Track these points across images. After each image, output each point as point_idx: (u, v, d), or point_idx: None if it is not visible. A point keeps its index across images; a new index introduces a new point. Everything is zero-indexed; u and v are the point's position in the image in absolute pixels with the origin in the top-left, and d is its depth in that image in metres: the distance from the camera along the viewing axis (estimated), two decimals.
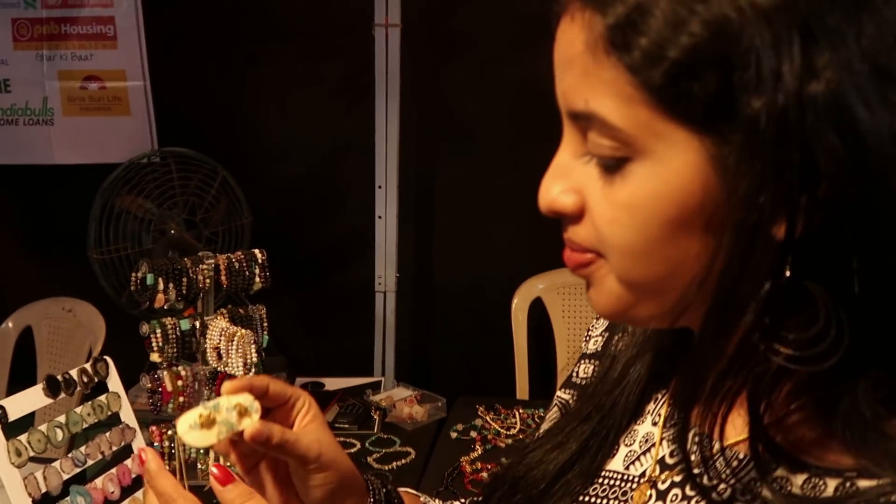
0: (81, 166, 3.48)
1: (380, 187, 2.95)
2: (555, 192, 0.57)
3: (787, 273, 0.49)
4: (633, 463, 0.68)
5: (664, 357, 0.69)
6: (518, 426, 2.15)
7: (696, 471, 0.58)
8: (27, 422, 1.61)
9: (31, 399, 1.58)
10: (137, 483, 1.72)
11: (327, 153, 3.36)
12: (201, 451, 1.89)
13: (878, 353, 0.51)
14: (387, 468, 1.96)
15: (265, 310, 2.07)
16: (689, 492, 0.61)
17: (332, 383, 2.44)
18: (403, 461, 2.00)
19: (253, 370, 1.88)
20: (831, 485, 0.53)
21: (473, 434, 2.13)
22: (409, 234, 3.08)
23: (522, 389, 2.69)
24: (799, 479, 0.55)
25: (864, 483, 0.52)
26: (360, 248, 3.04)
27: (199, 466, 1.90)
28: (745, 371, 0.53)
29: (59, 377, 1.63)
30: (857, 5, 0.47)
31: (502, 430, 2.13)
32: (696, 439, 0.58)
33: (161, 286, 1.87)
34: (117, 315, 2.68)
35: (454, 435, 2.13)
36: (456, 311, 3.27)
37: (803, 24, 0.46)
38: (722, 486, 0.58)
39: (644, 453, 0.68)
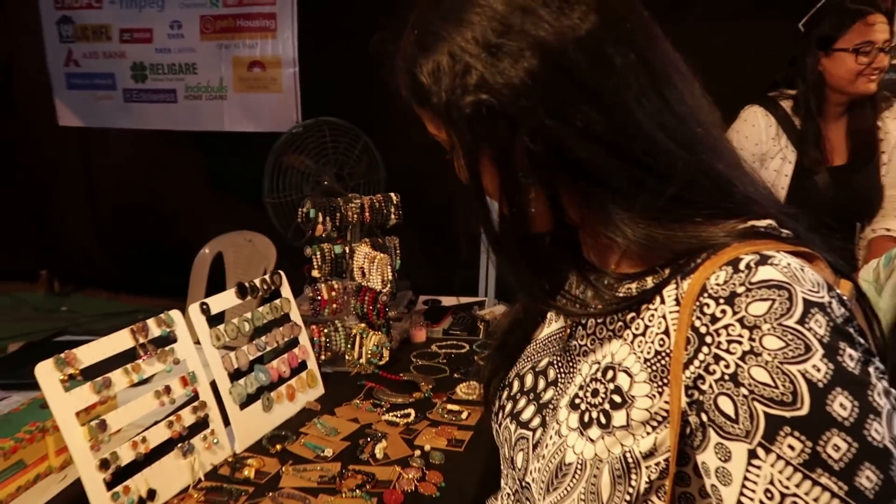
0: (252, 133, 3.61)
1: None
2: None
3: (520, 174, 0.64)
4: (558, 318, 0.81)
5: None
6: None
7: (563, 303, 0.72)
8: (219, 319, 1.71)
9: (226, 299, 1.69)
10: (302, 366, 1.82)
11: None
12: (347, 345, 1.97)
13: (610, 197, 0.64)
14: None
15: (398, 240, 2.12)
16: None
17: (448, 301, 2.48)
18: None
19: (388, 286, 1.93)
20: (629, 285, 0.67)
21: None
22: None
23: None
24: (616, 284, 0.68)
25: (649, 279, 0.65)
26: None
27: (346, 358, 1.98)
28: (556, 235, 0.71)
29: (247, 284, 1.73)
30: (456, 18, 0.64)
31: None
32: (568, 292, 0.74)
33: (320, 219, 1.95)
34: (284, 245, 2.79)
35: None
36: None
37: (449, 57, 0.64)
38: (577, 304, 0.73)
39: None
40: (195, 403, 1.51)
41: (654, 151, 0.61)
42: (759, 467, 0.53)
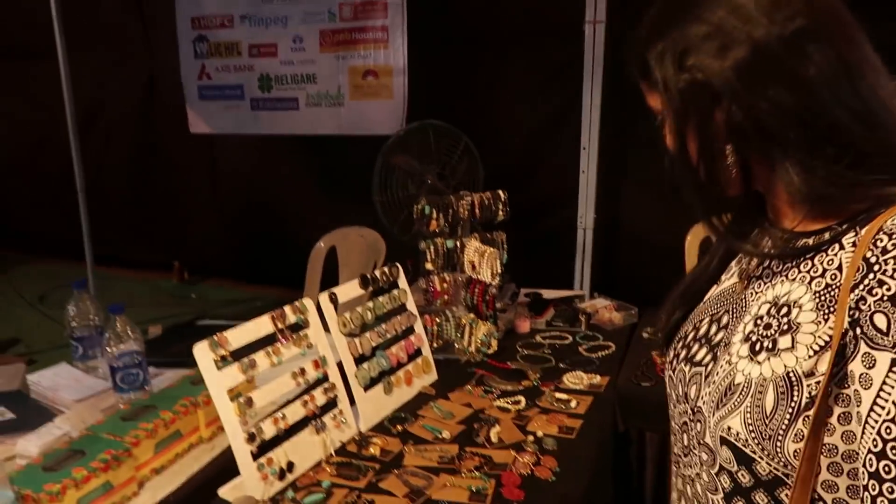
0: (359, 136, 3.67)
1: (584, 149, 2.90)
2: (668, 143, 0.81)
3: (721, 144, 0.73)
4: (733, 277, 0.86)
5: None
6: None
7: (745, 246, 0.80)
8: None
9: (350, 290, 1.72)
10: (417, 353, 1.83)
11: (543, 124, 3.34)
12: (458, 334, 1.98)
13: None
14: (594, 356, 1.95)
15: (504, 235, 2.11)
16: (765, 268, 0.79)
17: (547, 293, 2.45)
18: (606, 352, 1.98)
19: (497, 279, 1.92)
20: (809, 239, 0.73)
21: (660, 335, 2.06)
22: (605, 184, 3.01)
23: None
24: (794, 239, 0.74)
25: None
26: (567, 195, 3.01)
27: (456, 346, 1.98)
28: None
29: (368, 276, 1.75)
30: (685, 14, 0.74)
31: None
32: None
33: (434, 215, 1.96)
34: (390, 240, 2.83)
35: (645, 335, 2.08)
36: (639, 244, 3.17)
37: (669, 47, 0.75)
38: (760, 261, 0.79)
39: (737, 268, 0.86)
40: (325, 385, 1.55)
41: (837, 128, 0.68)
42: None
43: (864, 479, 0.61)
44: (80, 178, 4.07)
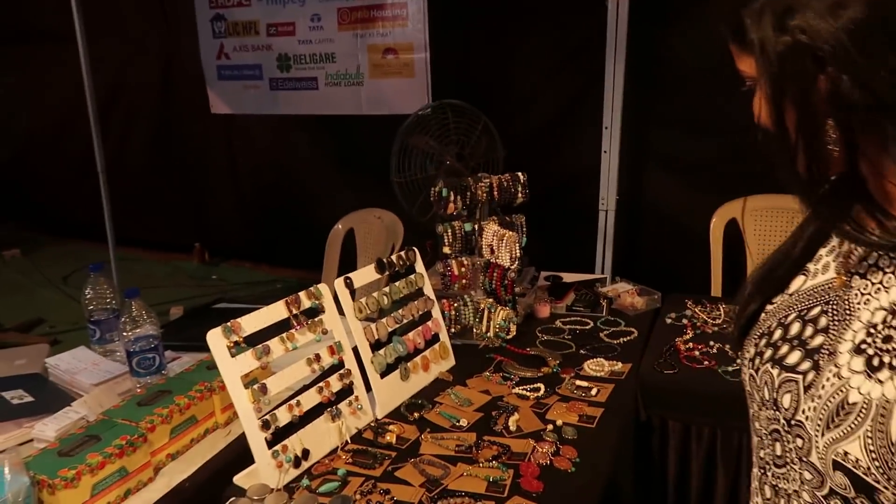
0: (379, 116, 3.63)
1: (606, 128, 2.82)
2: (755, 112, 0.73)
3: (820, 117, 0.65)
4: (825, 270, 0.77)
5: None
6: (722, 317, 2.00)
7: (850, 230, 0.68)
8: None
9: (366, 274, 1.68)
10: (435, 338, 1.80)
11: (565, 102, 3.26)
12: (476, 319, 1.94)
13: None
14: (615, 342, 1.90)
15: (524, 218, 2.06)
16: (871, 267, 0.70)
17: (568, 277, 2.39)
18: (628, 338, 1.92)
19: (516, 263, 1.88)
20: None
21: (684, 321, 2.00)
22: (627, 165, 2.93)
23: (716, 291, 2.52)
24: None
25: None
26: (588, 176, 2.94)
27: (475, 331, 1.94)
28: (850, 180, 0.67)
29: (385, 260, 1.72)
30: None
31: (709, 320, 1.99)
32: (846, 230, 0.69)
33: (452, 197, 1.91)
34: (407, 222, 2.78)
35: (668, 321, 2.01)
36: (662, 227, 3.10)
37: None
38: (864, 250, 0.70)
39: (833, 262, 0.77)
40: (341, 371, 1.52)
41: None
42: None
43: None
44: (100, 160, 4.08)
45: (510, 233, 1.86)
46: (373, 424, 1.53)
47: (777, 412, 0.73)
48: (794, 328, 0.75)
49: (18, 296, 4.75)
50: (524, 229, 2.03)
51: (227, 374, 1.31)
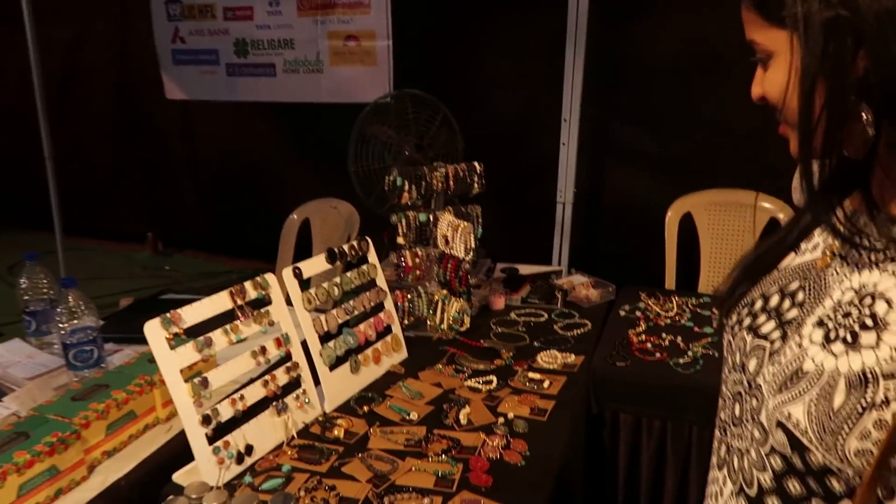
0: (340, 104, 3.56)
1: (565, 120, 2.80)
2: (753, 89, 0.73)
3: (852, 99, 0.63)
4: (814, 249, 0.79)
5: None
6: (675, 309, 2.00)
7: (841, 229, 0.69)
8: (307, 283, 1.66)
9: (316, 264, 1.64)
10: (387, 330, 1.76)
11: (524, 95, 3.24)
12: (429, 310, 1.90)
13: None
14: (569, 334, 1.89)
15: (480, 209, 2.03)
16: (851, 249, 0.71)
17: (524, 269, 2.38)
18: (581, 330, 1.91)
19: (471, 254, 1.85)
20: None
21: (638, 314, 2.00)
22: (586, 158, 2.93)
23: (670, 284, 2.54)
24: None
25: None
26: (547, 168, 2.93)
27: (428, 323, 1.91)
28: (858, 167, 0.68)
29: (336, 249, 1.67)
30: None
31: (662, 312, 1.99)
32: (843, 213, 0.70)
33: (406, 187, 1.87)
34: (365, 213, 2.73)
35: (622, 313, 2.01)
36: (619, 220, 3.11)
37: None
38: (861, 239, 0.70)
39: (822, 242, 0.78)
40: (288, 364, 1.47)
41: None
42: None
43: None
44: (47, 146, 3.92)
45: (465, 223, 1.83)
46: (320, 419, 1.49)
47: (743, 375, 0.76)
48: (774, 300, 0.78)
49: None
50: (480, 220, 2.00)
51: (165, 367, 1.25)
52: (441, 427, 1.44)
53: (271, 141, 4.29)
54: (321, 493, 1.24)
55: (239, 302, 1.40)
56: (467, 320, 1.89)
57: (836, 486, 0.66)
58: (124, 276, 4.61)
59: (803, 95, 0.65)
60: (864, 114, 0.63)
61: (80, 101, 4.94)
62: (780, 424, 0.68)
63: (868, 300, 0.66)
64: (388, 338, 1.75)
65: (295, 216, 2.97)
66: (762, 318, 0.77)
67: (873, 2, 0.60)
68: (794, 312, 0.74)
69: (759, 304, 0.79)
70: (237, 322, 1.39)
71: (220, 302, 1.37)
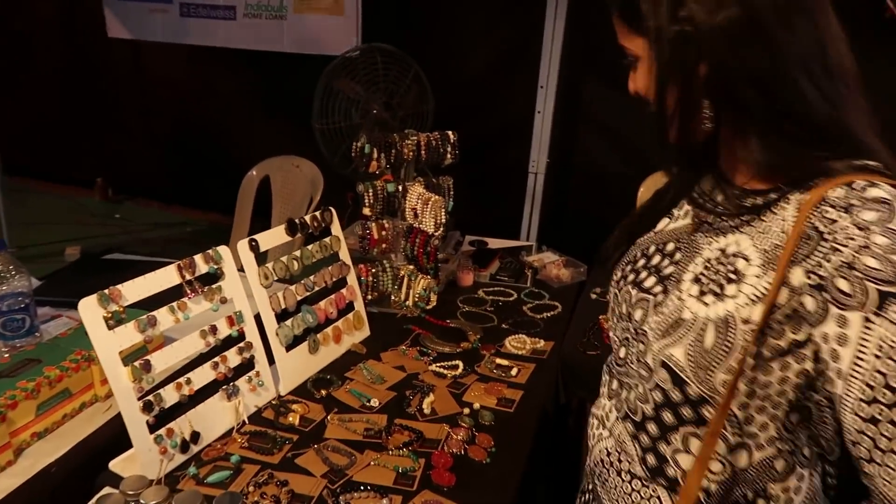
0: (305, 55, 3.36)
1: (541, 87, 2.69)
2: (629, 85, 0.85)
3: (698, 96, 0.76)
4: (685, 216, 0.90)
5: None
6: None
7: (698, 199, 0.85)
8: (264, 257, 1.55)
9: (275, 236, 1.51)
10: (349, 307, 1.66)
11: (500, 57, 3.10)
12: (395, 286, 1.81)
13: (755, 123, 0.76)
14: (538, 317, 1.81)
15: (452, 181, 1.92)
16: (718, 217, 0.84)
17: (493, 243, 2.29)
18: (552, 313, 1.84)
19: (441, 230, 1.75)
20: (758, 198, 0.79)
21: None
22: (560, 127, 2.82)
23: None
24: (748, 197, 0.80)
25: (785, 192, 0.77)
26: (519, 136, 2.82)
27: (393, 298, 1.82)
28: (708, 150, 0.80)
29: (297, 220, 1.55)
30: None
31: None
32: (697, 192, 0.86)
33: (375, 155, 1.74)
34: (329, 172, 2.59)
35: (593, 296, 1.94)
36: (590, 194, 3.03)
37: None
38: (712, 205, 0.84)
39: (692, 210, 0.89)
40: (241, 344, 1.36)
41: (801, 102, 0.73)
42: (871, 329, 0.67)
43: (856, 424, 0.69)
44: None
45: (436, 197, 1.72)
46: (274, 402, 1.39)
47: (629, 323, 0.87)
48: (655, 259, 0.89)
49: None
50: (451, 193, 1.90)
51: (101, 349, 1.13)
52: (403, 416, 1.36)
53: (231, 89, 4.06)
54: (272, 488, 1.15)
55: (188, 277, 1.28)
56: (434, 298, 1.80)
57: (707, 413, 0.79)
58: (72, 222, 4.37)
59: (658, 93, 0.78)
60: (704, 109, 0.76)
61: (21, 36, 4.59)
62: (663, 364, 0.80)
63: (732, 258, 0.78)
64: (350, 315, 1.65)
65: (254, 172, 2.81)
66: (643, 273, 0.88)
67: (710, 18, 0.72)
68: (671, 269, 0.85)
69: (641, 262, 0.90)
70: (185, 299, 1.27)
71: (165, 276, 1.25)
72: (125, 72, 4.42)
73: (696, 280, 0.80)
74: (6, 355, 1.40)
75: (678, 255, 0.85)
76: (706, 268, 0.80)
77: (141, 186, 4.79)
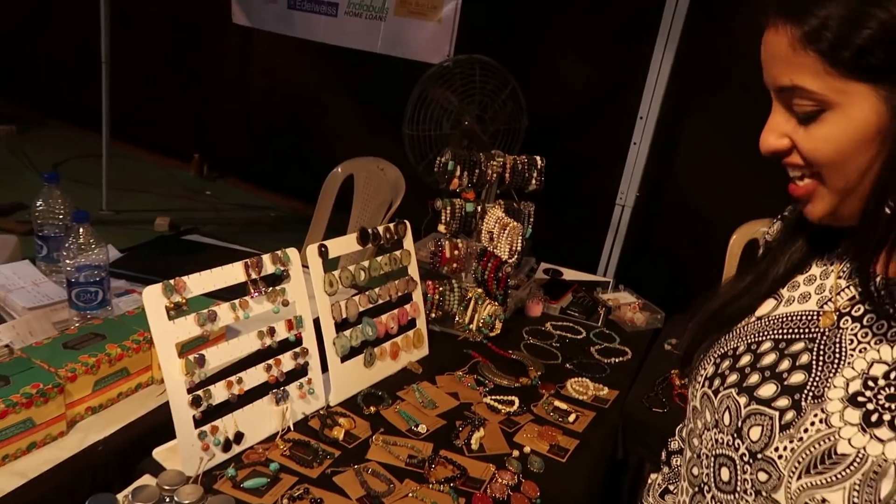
0: (397, 59, 3.36)
1: (641, 118, 2.57)
2: (771, 139, 0.68)
3: None
4: (803, 300, 0.74)
5: (818, 239, 0.75)
6: None
7: (876, 295, 0.65)
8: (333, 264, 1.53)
9: (346, 244, 1.49)
10: (411, 324, 1.62)
11: (601, 84, 3.00)
12: (460, 307, 1.76)
13: None
14: (606, 361, 1.71)
15: (533, 207, 1.85)
16: (868, 312, 0.67)
17: (569, 274, 2.19)
18: (621, 359, 1.73)
19: (516, 257, 1.68)
20: None
21: None
22: (655, 161, 2.70)
23: None
24: None
25: None
26: (610, 166, 2.71)
27: (457, 320, 1.77)
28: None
29: (370, 231, 1.52)
30: None
31: None
32: (876, 280, 0.66)
33: (458, 172, 1.70)
34: (413, 177, 2.57)
35: (667, 347, 1.82)
36: (677, 234, 2.88)
37: None
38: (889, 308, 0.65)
39: (815, 293, 0.73)
40: (297, 349, 1.35)
41: None
42: None
43: None
44: (105, 48, 3.85)
45: (514, 223, 1.66)
46: (322, 412, 1.37)
47: (738, 440, 0.71)
48: (768, 358, 0.72)
49: (5, 174, 4.55)
50: (531, 220, 1.83)
51: (159, 338, 1.13)
52: (449, 447, 1.31)
53: (326, 85, 4.12)
54: None
55: (253, 276, 1.27)
56: (499, 325, 1.73)
57: None
58: (165, 194, 4.56)
59: (891, 160, 0.61)
60: None
61: (146, 10, 4.84)
62: None
63: None
64: (411, 332, 1.61)
65: (340, 170, 2.82)
66: (755, 377, 0.71)
67: None
68: (799, 377, 0.68)
69: (746, 358, 0.73)
70: (248, 298, 1.26)
71: (231, 273, 1.24)
72: (235, 57, 4.58)
73: (855, 403, 0.64)
74: (76, 324, 1.44)
75: (806, 358, 0.69)
76: (868, 387, 0.64)
77: (233, 166, 4.94)
